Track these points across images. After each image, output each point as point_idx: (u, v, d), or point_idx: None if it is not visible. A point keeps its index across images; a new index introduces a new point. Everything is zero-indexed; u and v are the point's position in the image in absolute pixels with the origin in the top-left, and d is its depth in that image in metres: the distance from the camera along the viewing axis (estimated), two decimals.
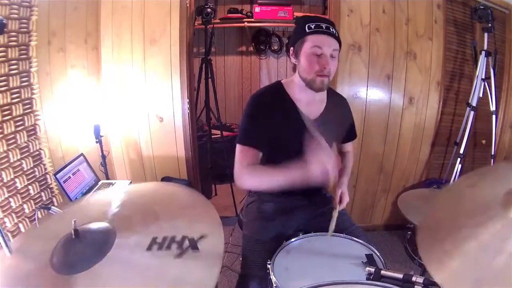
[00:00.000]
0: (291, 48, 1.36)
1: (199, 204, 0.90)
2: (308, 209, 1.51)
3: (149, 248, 0.73)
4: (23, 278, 0.73)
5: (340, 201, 1.40)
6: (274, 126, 1.34)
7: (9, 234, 1.72)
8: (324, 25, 1.30)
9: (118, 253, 0.74)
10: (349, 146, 1.66)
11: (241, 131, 1.38)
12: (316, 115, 1.42)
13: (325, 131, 1.43)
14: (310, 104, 1.41)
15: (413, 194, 2.24)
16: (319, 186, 1.57)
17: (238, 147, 1.36)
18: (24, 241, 0.90)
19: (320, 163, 1.10)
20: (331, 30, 1.31)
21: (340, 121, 1.52)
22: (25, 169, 1.88)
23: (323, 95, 1.46)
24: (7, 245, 0.78)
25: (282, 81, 1.45)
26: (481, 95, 2.30)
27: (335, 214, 1.31)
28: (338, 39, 1.32)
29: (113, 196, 1.00)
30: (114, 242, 0.76)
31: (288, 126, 1.36)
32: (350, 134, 1.63)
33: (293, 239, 1.27)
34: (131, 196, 0.97)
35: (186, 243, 0.73)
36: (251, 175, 1.30)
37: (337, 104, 1.51)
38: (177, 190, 0.98)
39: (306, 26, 1.30)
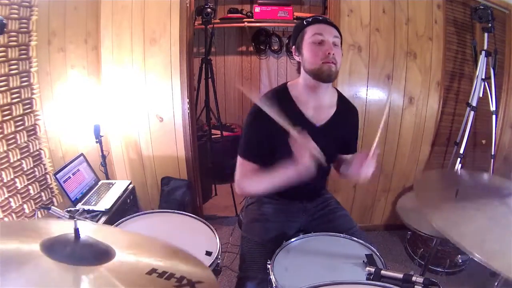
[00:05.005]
0: (293, 47, 1.35)
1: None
2: (308, 210, 1.50)
3: (149, 273, 0.74)
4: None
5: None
6: (276, 136, 1.27)
7: None
8: (321, 17, 1.33)
9: (115, 266, 0.74)
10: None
11: (241, 143, 1.35)
12: (323, 121, 1.37)
13: (331, 139, 1.37)
14: (317, 108, 1.36)
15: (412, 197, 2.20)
16: (318, 186, 1.57)
17: (239, 158, 1.34)
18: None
19: (305, 154, 1.09)
20: (329, 20, 1.33)
21: (347, 130, 1.46)
22: (25, 169, 1.88)
23: (332, 99, 1.40)
24: None
25: (287, 84, 1.40)
26: (481, 95, 2.30)
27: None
28: (337, 29, 1.31)
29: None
30: (113, 257, 0.76)
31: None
32: (352, 148, 1.53)
33: (293, 239, 1.27)
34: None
35: (185, 281, 0.75)
36: (250, 183, 1.31)
37: (347, 112, 1.45)
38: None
39: (304, 21, 1.32)
